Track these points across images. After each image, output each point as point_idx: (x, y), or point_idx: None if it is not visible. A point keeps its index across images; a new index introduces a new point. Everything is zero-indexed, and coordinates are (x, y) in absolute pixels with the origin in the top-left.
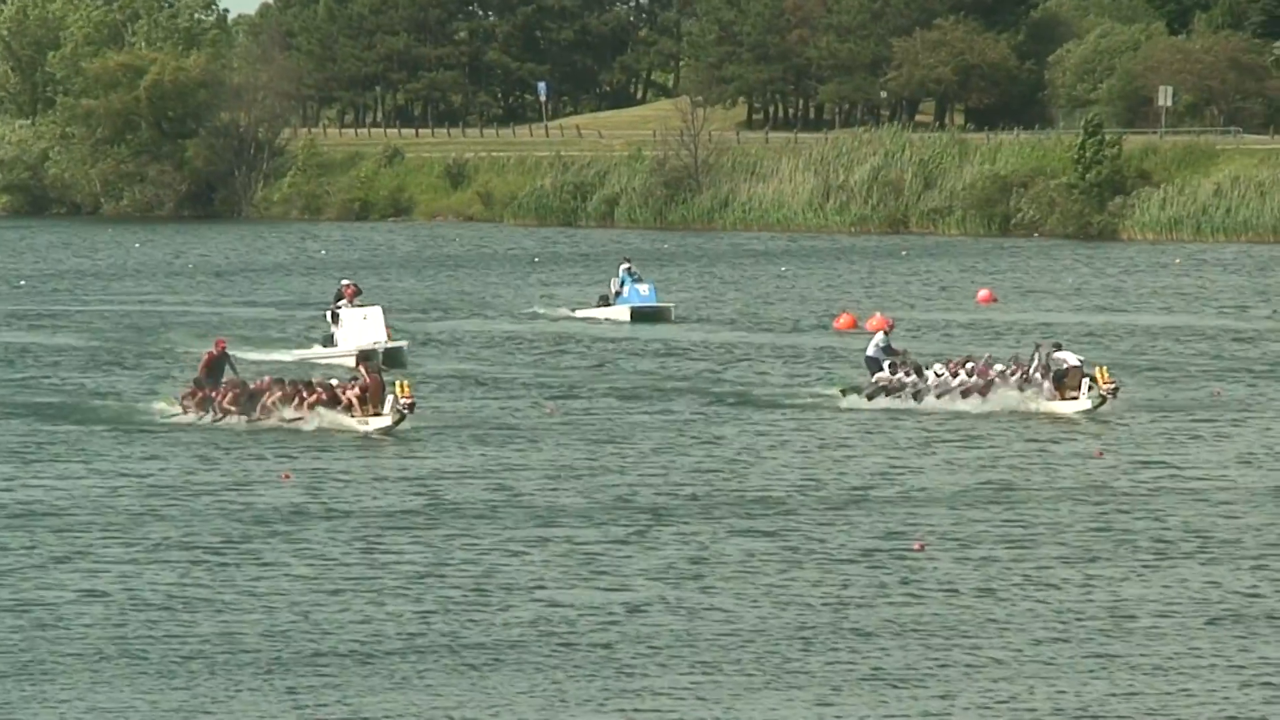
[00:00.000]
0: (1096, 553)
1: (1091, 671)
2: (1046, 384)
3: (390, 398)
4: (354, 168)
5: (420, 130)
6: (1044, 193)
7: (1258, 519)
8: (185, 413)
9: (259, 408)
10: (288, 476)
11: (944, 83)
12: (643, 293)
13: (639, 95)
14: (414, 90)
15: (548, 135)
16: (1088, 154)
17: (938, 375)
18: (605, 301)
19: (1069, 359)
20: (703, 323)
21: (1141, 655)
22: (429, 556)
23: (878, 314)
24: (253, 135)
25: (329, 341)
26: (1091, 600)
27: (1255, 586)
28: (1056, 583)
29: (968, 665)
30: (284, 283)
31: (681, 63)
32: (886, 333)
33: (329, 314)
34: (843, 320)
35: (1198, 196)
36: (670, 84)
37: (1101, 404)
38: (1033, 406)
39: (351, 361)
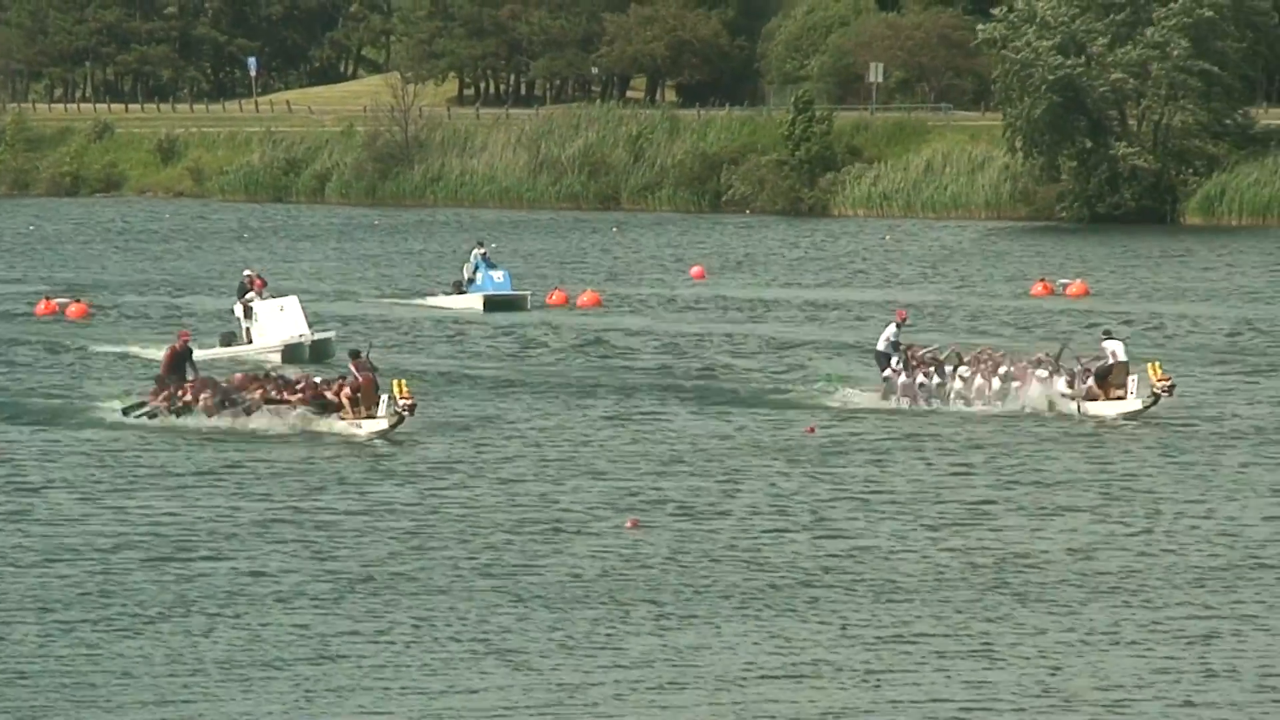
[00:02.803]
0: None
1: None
2: (1088, 380)
3: (385, 398)
4: (63, 143)
5: (130, 105)
6: (754, 169)
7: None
8: (150, 413)
9: (238, 409)
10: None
11: (656, 59)
12: (497, 280)
13: (350, 71)
14: (124, 64)
15: (258, 111)
16: (798, 130)
17: (963, 377)
18: (459, 288)
19: (1116, 351)
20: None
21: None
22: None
23: (899, 311)
24: None
25: (230, 340)
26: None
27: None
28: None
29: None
30: None
31: (392, 38)
32: (899, 325)
33: (238, 308)
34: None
35: (908, 173)
36: (381, 60)
37: (1154, 404)
38: (1070, 408)
39: (275, 358)
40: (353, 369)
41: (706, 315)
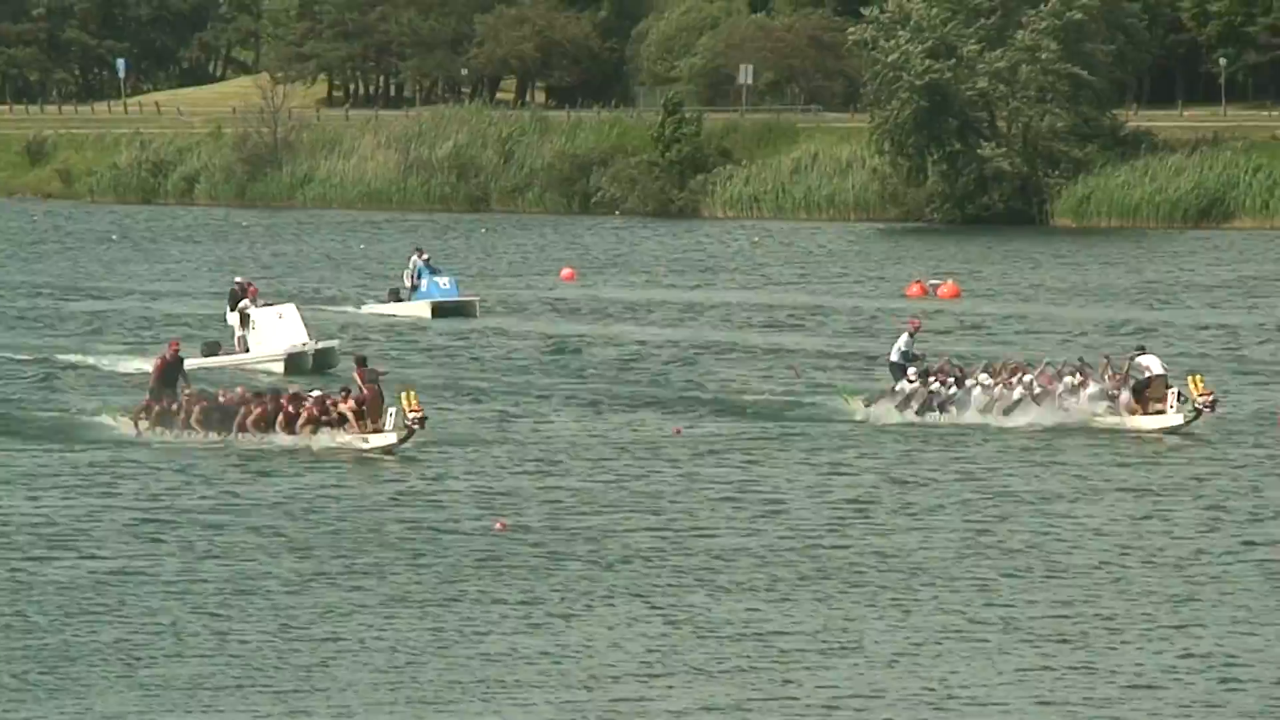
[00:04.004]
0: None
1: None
2: (1124, 394)
3: (393, 411)
4: None
5: None
6: (624, 170)
7: None
8: (140, 432)
9: (234, 426)
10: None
11: (526, 60)
12: (443, 286)
13: (219, 72)
14: None
15: (126, 112)
16: (668, 132)
17: (984, 385)
18: (396, 296)
19: (1153, 366)
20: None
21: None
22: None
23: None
24: None
25: (213, 349)
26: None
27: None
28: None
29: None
30: None
31: (262, 40)
32: (912, 334)
33: (235, 316)
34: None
35: (778, 174)
36: (251, 61)
37: (1196, 419)
38: (1107, 422)
39: (277, 367)
40: (357, 379)
41: (586, 317)
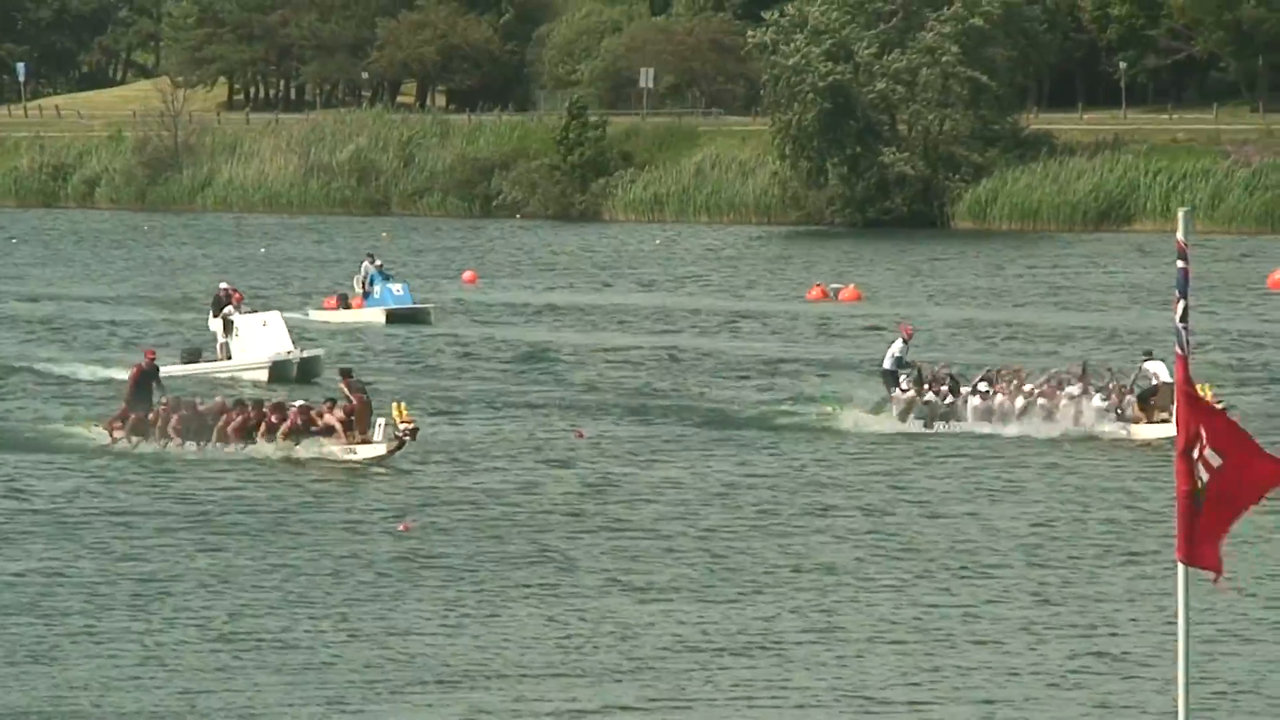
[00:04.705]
0: None
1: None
2: (1128, 399)
3: (382, 422)
4: None
5: None
6: (525, 174)
7: None
8: (115, 441)
9: (213, 434)
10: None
11: (427, 63)
12: (397, 292)
13: (120, 76)
14: None
15: (26, 115)
16: (570, 135)
17: (982, 394)
18: (345, 302)
19: (1160, 372)
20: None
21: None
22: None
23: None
24: None
25: (194, 356)
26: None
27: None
28: None
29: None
30: None
31: (162, 43)
32: (905, 341)
33: (218, 323)
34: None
35: (680, 177)
36: (151, 64)
37: None
38: (1105, 430)
39: (260, 375)
40: (344, 389)
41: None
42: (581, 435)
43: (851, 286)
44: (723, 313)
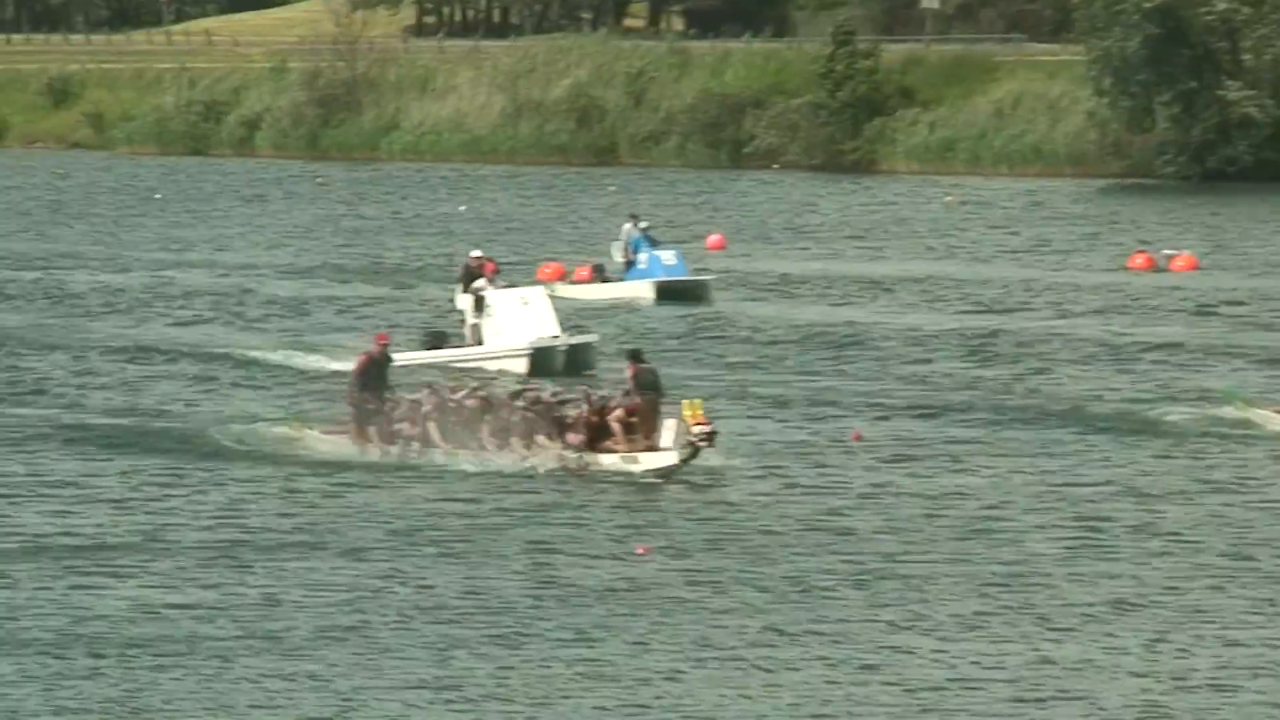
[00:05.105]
0: None
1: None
2: None
3: (671, 424)
4: None
5: (12, 36)
6: (784, 115)
7: None
8: (338, 446)
9: (463, 437)
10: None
11: None
12: (668, 262)
13: None
14: None
15: (170, 42)
16: (838, 67)
17: None
18: (601, 275)
19: None
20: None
21: None
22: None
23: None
24: None
25: (439, 341)
26: None
27: None
28: None
29: None
30: None
31: None
32: None
33: (463, 299)
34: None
35: (974, 119)
36: None
37: None
38: None
39: (518, 365)
40: (630, 380)
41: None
42: (859, 438)
43: (1186, 254)
44: (1030, 285)
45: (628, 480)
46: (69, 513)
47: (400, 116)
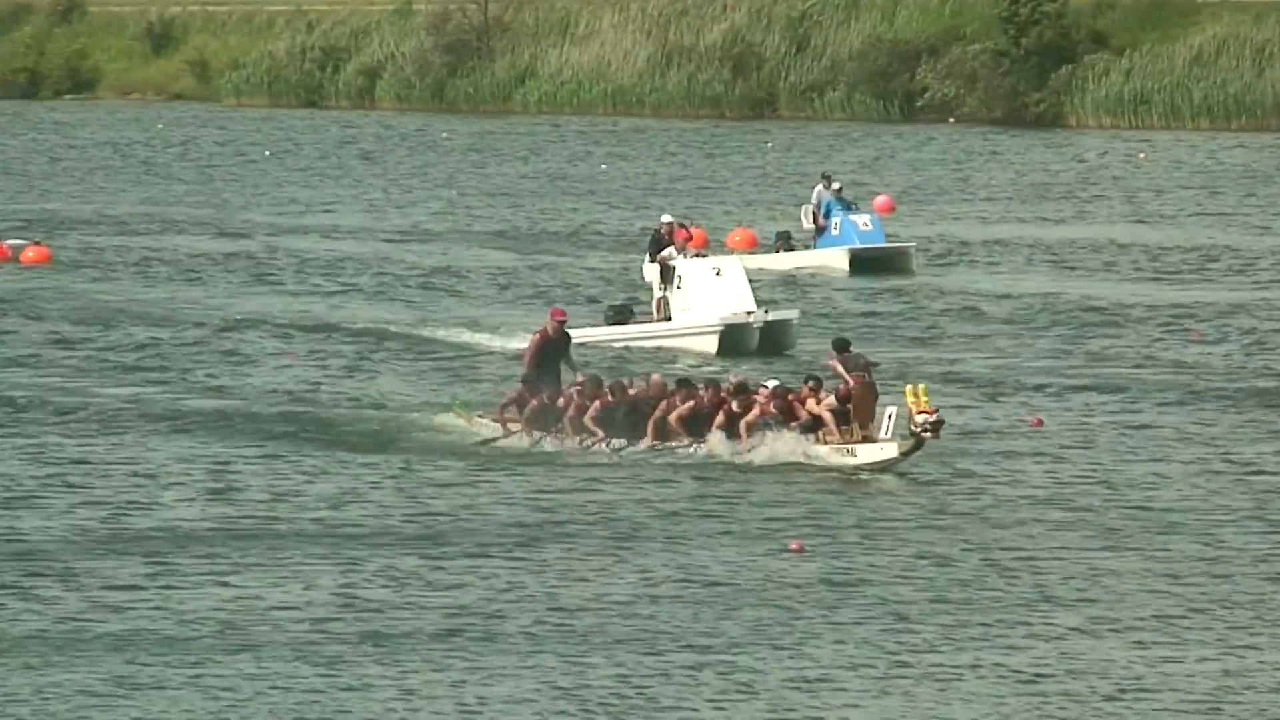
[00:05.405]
0: None
1: None
2: None
3: (891, 413)
4: (16, 27)
5: None
6: (961, 63)
7: None
8: (507, 435)
9: (646, 428)
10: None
11: None
12: (863, 227)
13: None
14: None
15: None
16: (1021, 12)
17: None
18: (787, 242)
19: None
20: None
21: None
22: None
23: None
24: None
25: (623, 315)
26: None
27: None
28: None
29: None
30: None
31: None
32: None
33: (650, 270)
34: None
35: (1172, 67)
36: None
37: None
38: None
39: (707, 344)
40: (836, 368)
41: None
42: (1040, 423)
43: None
44: (1232, 252)
45: (839, 473)
46: (221, 499)
47: (536, 65)
